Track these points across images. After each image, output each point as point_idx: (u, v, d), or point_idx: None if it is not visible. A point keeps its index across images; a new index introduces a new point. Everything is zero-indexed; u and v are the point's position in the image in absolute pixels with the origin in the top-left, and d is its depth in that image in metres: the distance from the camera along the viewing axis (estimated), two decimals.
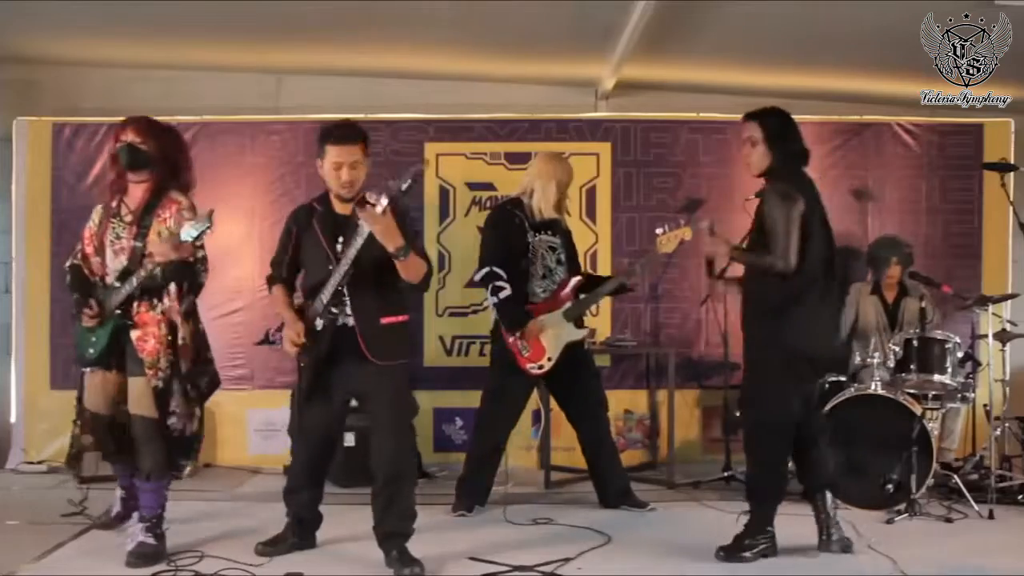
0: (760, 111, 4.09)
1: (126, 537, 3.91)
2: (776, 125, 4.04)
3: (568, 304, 4.78)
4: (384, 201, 3.48)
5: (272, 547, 4.00)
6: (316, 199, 3.98)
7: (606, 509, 4.88)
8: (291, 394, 4.19)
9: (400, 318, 3.89)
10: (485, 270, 4.73)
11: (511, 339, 4.72)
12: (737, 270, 4.24)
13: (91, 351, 3.88)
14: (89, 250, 3.97)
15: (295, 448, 4.11)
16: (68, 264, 4.03)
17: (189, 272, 3.86)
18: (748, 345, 4.14)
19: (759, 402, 4.01)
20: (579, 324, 4.85)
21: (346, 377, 3.86)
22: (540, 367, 4.73)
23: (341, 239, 3.78)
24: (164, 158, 3.94)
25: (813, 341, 3.96)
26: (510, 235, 4.74)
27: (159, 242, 3.75)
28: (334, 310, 3.77)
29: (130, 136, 3.87)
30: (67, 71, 6.35)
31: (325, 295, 3.77)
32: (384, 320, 3.82)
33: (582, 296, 4.85)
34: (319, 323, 3.80)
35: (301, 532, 4.11)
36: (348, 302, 3.79)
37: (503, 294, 4.66)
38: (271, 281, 4.05)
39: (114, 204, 3.96)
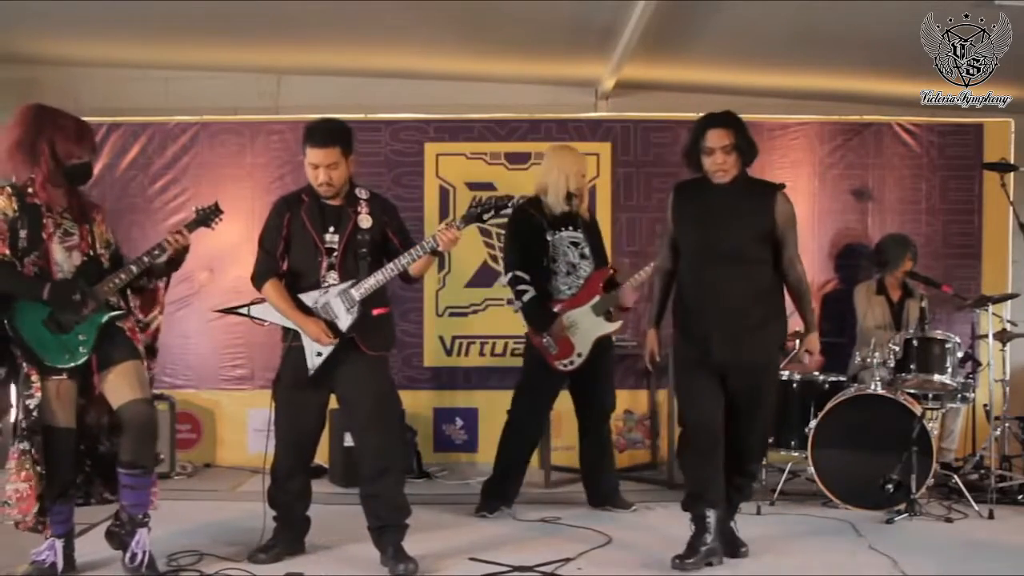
0: (729, 117, 3.88)
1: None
2: (744, 129, 3.88)
3: (596, 298, 4.73)
4: (462, 225, 3.82)
5: (264, 554, 3.88)
6: (303, 189, 3.97)
7: (595, 508, 4.88)
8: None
9: (386, 309, 3.94)
10: (509, 275, 4.74)
11: (537, 339, 4.71)
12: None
13: (81, 350, 3.54)
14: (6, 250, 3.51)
15: (279, 441, 3.95)
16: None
17: (182, 260, 3.83)
18: (768, 346, 3.91)
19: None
20: (609, 317, 4.80)
21: (334, 367, 3.84)
22: (571, 363, 4.69)
23: (332, 228, 3.84)
24: None
25: None
26: (528, 236, 4.69)
27: (184, 232, 3.72)
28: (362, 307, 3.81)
29: (89, 154, 3.63)
30: (67, 71, 6.35)
31: (360, 290, 3.78)
32: (375, 311, 3.86)
33: (612, 291, 4.79)
34: (350, 316, 3.78)
35: (289, 535, 3.97)
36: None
37: (527, 296, 4.65)
38: (266, 276, 3.90)
39: (39, 201, 3.55)
